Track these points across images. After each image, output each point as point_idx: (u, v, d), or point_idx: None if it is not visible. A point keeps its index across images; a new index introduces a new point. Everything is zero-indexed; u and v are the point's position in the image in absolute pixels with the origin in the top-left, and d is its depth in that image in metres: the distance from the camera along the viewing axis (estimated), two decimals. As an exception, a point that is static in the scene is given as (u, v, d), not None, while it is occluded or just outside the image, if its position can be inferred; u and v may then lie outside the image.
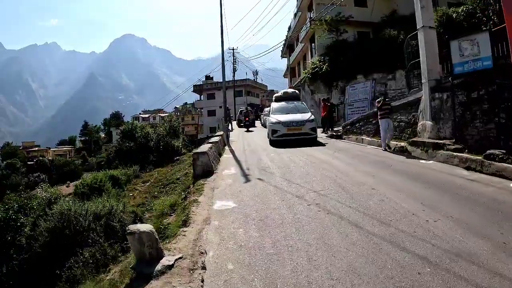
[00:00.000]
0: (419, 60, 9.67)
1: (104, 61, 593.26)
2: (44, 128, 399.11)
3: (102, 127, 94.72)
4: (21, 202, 12.74)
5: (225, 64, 17.83)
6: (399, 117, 10.22)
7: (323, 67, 19.95)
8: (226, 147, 13.18)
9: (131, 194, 15.58)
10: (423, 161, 7.88)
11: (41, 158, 69.64)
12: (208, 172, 7.60)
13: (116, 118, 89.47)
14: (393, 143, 9.79)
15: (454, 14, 13.67)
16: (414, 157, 8.37)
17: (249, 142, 14.68)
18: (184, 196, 6.32)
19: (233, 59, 39.00)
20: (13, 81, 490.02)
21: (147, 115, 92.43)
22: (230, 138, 16.38)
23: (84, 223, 8.27)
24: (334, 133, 14.95)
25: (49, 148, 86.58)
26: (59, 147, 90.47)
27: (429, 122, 8.82)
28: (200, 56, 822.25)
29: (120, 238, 8.79)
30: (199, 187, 6.32)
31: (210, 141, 11.45)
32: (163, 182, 15.10)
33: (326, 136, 15.05)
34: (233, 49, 38.61)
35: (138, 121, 78.52)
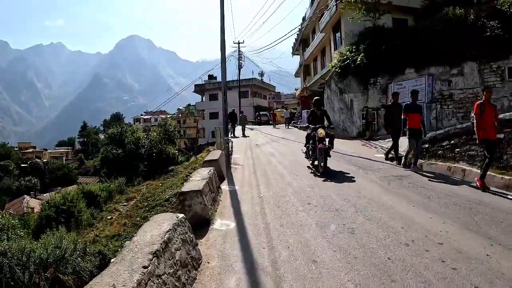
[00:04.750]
0: None
1: (109, 62, 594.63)
2: (48, 128, 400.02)
3: (101, 128, 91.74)
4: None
5: (229, 59, 13.83)
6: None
7: (356, 58, 15.34)
8: (225, 187, 7.54)
9: (109, 217, 12.07)
10: None
11: (36, 160, 66.80)
12: None
13: (116, 119, 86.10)
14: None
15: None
16: None
17: (267, 175, 8.57)
18: None
19: (239, 53, 34.21)
20: (18, 80, 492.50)
21: (148, 116, 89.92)
22: (234, 156, 11.30)
23: (22, 277, 5.41)
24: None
25: (46, 150, 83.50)
26: (56, 148, 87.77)
27: None
28: (205, 58, 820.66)
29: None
30: None
31: (188, 201, 5.22)
32: (150, 202, 11.63)
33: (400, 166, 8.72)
34: (238, 43, 33.96)
35: (140, 123, 75.53)
